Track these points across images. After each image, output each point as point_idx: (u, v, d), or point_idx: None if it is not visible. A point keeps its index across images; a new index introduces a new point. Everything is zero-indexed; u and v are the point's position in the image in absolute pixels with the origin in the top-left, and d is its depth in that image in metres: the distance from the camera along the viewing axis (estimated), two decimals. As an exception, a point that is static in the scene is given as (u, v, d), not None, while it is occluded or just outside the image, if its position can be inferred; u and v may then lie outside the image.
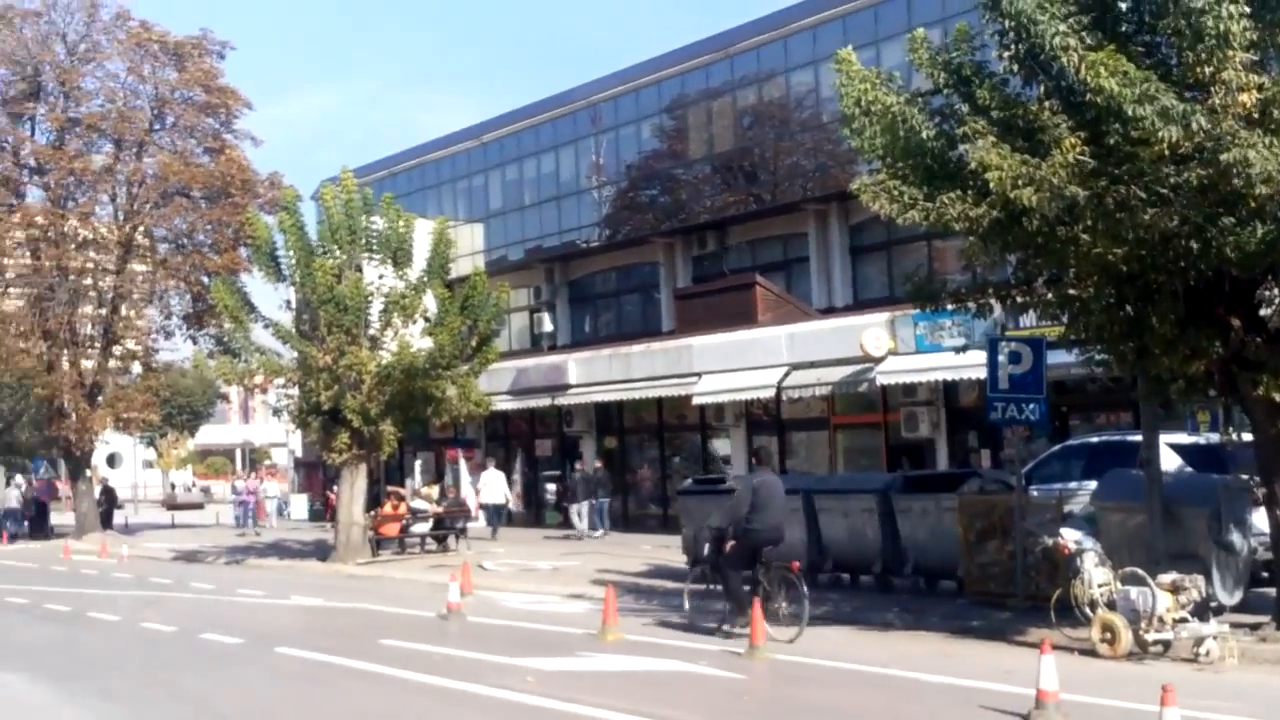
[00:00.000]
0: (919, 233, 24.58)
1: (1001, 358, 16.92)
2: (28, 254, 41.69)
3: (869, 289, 33.67)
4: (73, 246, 41.35)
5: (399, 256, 28.87)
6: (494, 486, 35.34)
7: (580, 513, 33.31)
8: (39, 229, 40.82)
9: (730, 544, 15.98)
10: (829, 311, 32.63)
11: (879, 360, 27.19)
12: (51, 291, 40.34)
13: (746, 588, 15.94)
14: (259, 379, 31.05)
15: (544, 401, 36.02)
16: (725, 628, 16.00)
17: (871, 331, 27.38)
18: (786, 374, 29.23)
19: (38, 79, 41.48)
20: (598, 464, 35.12)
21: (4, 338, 39.17)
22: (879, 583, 19.54)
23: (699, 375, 31.42)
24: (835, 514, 20.09)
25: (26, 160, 42.09)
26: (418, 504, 31.60)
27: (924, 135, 14.73)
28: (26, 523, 46.53)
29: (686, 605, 17.07)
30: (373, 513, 30.07)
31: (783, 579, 15.73)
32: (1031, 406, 16.78)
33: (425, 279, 29.07)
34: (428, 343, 28.48)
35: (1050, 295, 15.51)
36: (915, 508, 18.98)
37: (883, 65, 18.20)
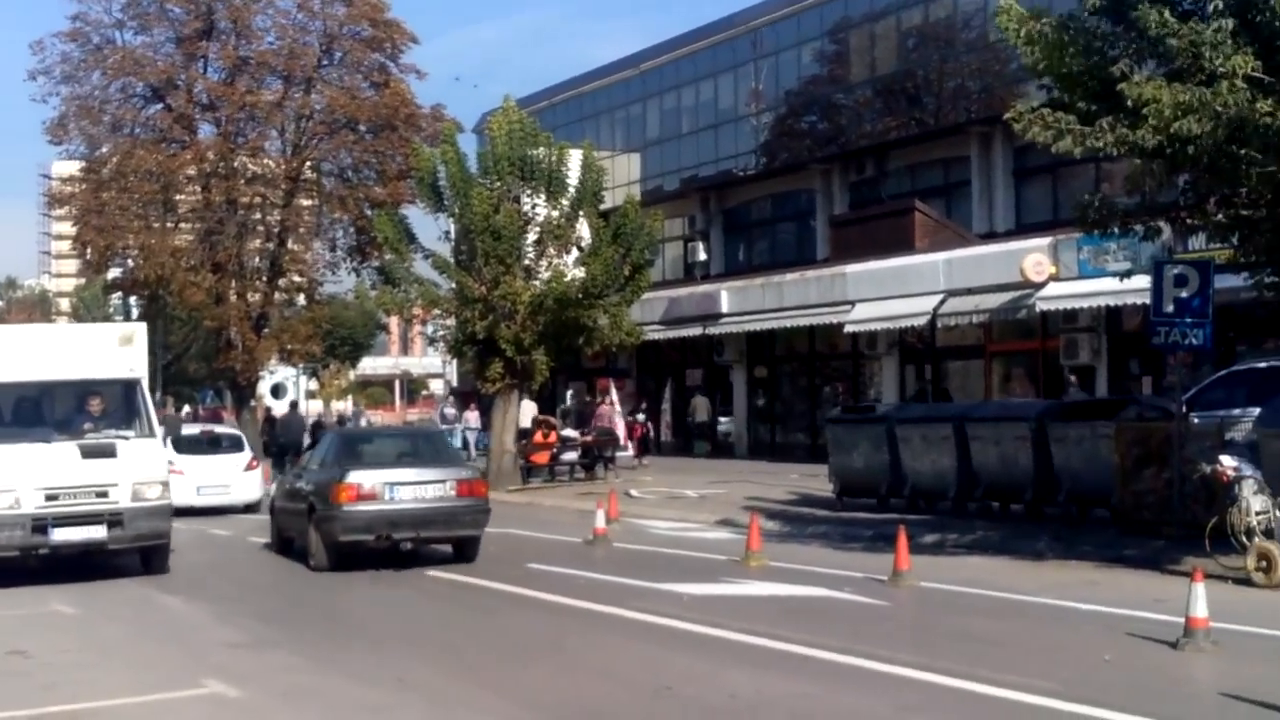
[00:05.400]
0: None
1: (1167, 280, 16.26)
2: (199, 189, 42.85)
3: (1032, 213, 32.75)
4: (242, 181, 42.35)
5: (553, 185, 28.97)
6: (702, 409, 37.99)
7: None
8: (210, 164, 41.90)
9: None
10: (989, 236, 31.87)
11: (1039, 286, 26.53)
12: (221, 226, 41.37)
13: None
14: (417, 309, 31.55)
15: (695, 331, 35.97)
16: None
17: (1033, 256, 26.70)
18: (942, 301, 28.70)
19: (210, 17, 42.34)
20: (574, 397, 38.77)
21: (175, 271, 40.24)
22: (1030, 511, 19.10)
23: (852, 304, 31.02)
24: (987, 442, 19.68)
25: (199, 97, 43.08)
26: (567, 432, 31.86)
27: (1085, 60, 14.28)
28: None
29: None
30: (523, 441, 30.43)
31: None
32: (1197, 331, 16.15)
33: (578, 208, 29.14)
34: (581, 272, 28.58)
35: (1221, 216, 15.01)
36: (1071, 435, 18.50)
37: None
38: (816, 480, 24.40)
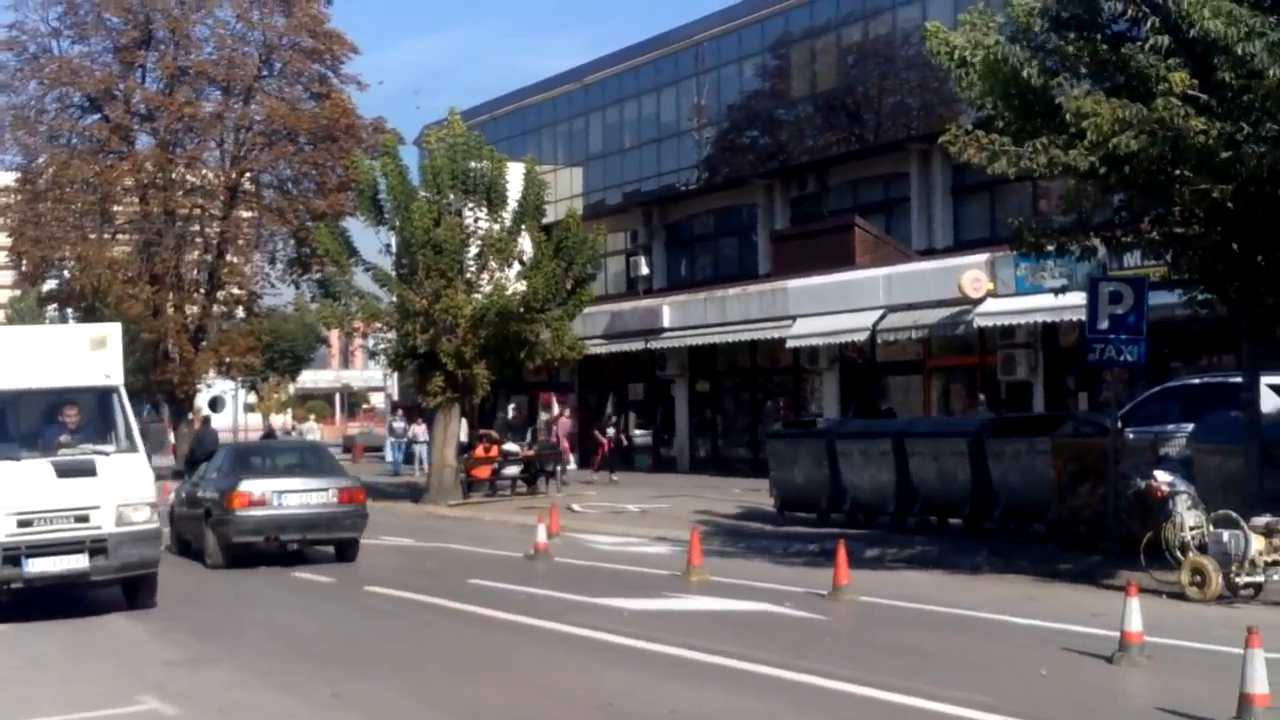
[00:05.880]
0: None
1: (1102, 298, 16.45)
2: (136, 200, 42.45)
3: (970, 229, 33.01)
4: (180, 193, 42.00)
5: (493, 199, 28.91)
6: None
7: None
8: (148, 175, 41.52)
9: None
10: (928, 253, 32.10)
11: (977, 302, 26.76)
12: (159, 237, 41.02)
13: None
14: (358, 323, 31.38)
15: (637, 345, 36.04)
16: None
17: (970, 273, 26.93)
18: (882, 316, 28.90)
19: (149, 27, 42.02)
20: (515, 411, 39.16)
21: (112, 283, 39.87)
22: (968, 526, 19.29)
23: (794, 318, 31.18)
24: (926, 457, 19.84)
25: (137, 107, 42.73)
26: (509, 447, 31.74)
27: (1025, 74, 14.40)
28: None
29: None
30: (465, 455, 30.29)
31: None
32: (1131, 348, 16.35)
33: (520, 221, 29.10)
34: (523, 286, 28.53)
35: (1155, 234, 15.20)
36: (1008, 450, 18.67)
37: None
38: (758, 495, 24.48)
